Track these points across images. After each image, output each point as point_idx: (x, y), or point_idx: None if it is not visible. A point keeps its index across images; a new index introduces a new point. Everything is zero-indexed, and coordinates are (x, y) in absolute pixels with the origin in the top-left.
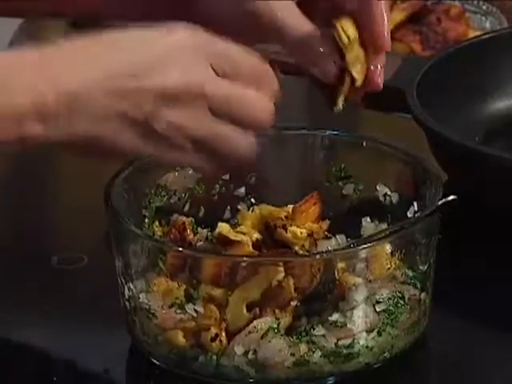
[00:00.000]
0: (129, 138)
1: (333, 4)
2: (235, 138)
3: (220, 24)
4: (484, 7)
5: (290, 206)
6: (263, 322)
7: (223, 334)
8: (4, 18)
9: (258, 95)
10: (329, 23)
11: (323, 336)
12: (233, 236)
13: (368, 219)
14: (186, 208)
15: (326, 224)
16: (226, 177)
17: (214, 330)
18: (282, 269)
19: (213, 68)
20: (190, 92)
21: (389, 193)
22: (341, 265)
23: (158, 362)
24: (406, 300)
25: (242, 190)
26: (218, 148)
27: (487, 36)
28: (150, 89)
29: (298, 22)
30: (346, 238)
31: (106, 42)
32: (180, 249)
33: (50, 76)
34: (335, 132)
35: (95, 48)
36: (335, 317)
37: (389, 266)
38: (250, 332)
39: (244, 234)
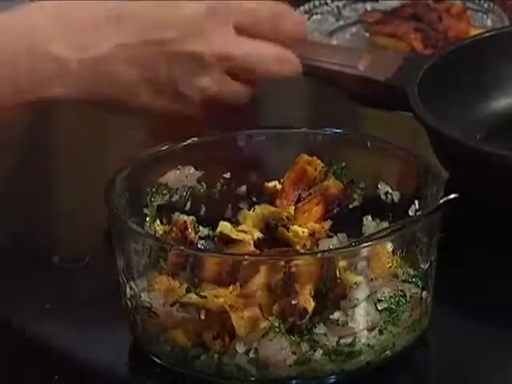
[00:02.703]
0: (150, 100)
1: None
2: (243, 93)
3: None
4: (485, 5)
5: (292, 207)
6: (264, 321)
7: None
8: None
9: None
10: None
11: (324, 334)
12: (234, 235)
13: (369, 218)
14: (188, 206)
15: (328, 224)
16: (228, 175)
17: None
18: (283, 267)
19: (235, 25)
20: (216, 58)
21: (390, 191)
22: (342, 263)
23: (159, 361)
24: (408, 298)
25: (244, 188)
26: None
27: (488, 34)
28: (180, 53)
29: None
30: (348, 237)
31: (132, 7)
32: (181, 247)
33: (75, 42)
34: (336, 130)
35: (120, 10)
36: (336, 315)
37: (390, 264)
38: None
39: (245, 232)
